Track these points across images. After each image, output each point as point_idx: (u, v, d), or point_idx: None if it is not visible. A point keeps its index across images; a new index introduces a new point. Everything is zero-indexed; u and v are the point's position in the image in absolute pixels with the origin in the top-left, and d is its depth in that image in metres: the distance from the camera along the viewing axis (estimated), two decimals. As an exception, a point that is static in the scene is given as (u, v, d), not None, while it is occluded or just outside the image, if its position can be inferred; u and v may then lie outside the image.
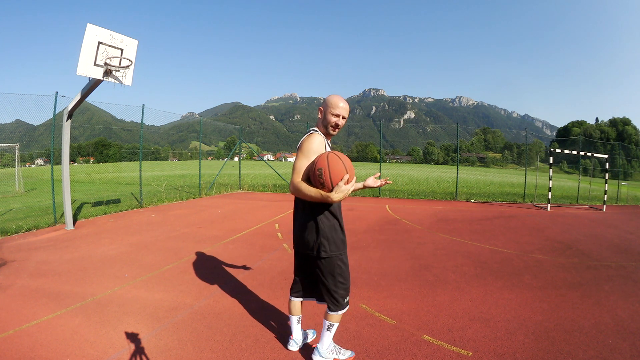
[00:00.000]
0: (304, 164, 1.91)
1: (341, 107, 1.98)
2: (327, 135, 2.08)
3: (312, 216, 1.99)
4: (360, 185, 2.16)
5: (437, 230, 6.48)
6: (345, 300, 2.08)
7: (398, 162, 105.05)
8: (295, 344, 2.34)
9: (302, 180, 1.89)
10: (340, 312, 2.08)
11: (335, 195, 1.76)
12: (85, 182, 17.03)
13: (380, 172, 10.63)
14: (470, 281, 3.73)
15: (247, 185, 14.38)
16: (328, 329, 2.11)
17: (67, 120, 5.89)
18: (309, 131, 2.05)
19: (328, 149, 2.02)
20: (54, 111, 6.47)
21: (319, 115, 2.07)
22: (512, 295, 3.35)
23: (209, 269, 4.02)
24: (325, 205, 1.98)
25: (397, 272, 3.99)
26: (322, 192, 1.79)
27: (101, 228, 6.16)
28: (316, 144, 1.93)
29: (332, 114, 1.99)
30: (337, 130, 2.03)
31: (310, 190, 1.82)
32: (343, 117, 2.01)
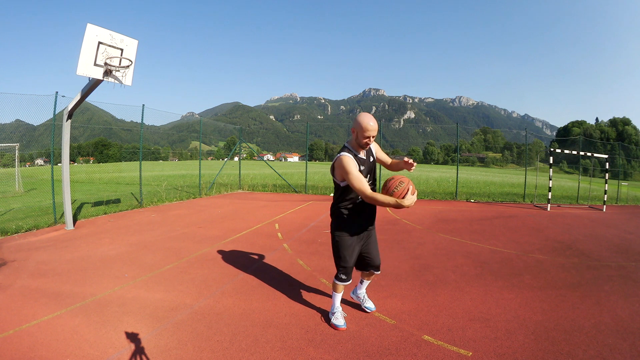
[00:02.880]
0: (356, 179, 2.32)
1: (371, 129, 2.35)
2: (359, 148, 2.48)
3: (336, 204, 2.60)
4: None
5: (437, 230, 6.47)
6: (339, 275, 2.62)
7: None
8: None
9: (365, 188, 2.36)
10: (335, 281, 2.66)
11: (406, 202, 2.21)
12: (85, 182, 17.03)
13: (380, 172, 10.62)
14: (470, 281, 3.73)
15: (247, 185, 14.37)
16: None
17: (67, 120, 5.89)
18: (340, 152, 2.44)
19: (365, 158, 2.52)
20: (54, 111, 6.47)
21: (353, 135, 2.45)
22: (512, 295, 3.35)
23: (208, 269, 4.02)
24: (348, 199, 2.52)
25: (397, 272, 3.99)
26: (398, 200, 2.22)
27: (101, 228, 6.16)
28: (352, 165, 2.36)
29: (364, 136, 2.38)
30: (366, 145, 2.43)
31: (385, 198, 2.26)
32: (372, 137, 2.39)
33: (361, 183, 2.31)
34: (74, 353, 2.25)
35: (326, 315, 2.85)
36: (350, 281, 2.67)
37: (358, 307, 3.02)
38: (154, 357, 2.24)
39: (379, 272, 2.81)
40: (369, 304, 2.94)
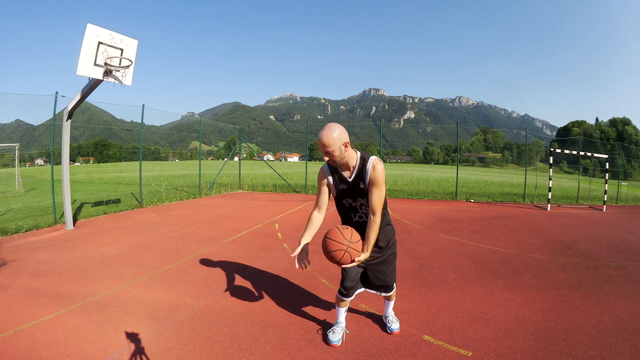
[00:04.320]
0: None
1: (319, 145, 2.06)
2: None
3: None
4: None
5: (437, 230, 6.47)
6: (340, 287, 2.40)
7: (398, 162, 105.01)
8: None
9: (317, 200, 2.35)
10: (337, 294, 2.44)
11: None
12: (85, 182, 17.03)
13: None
14: (470, 281, 3.73)
15: (247, 185, 14.37)
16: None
17: (67, 120, 5.89)
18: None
19: (333, 175, 2.27)
20: (54, 111, 6.47)
21: None
22: (512, 295, 3.35)
23: (209, 269, 4.02)
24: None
25: (397, 272, 3.98)
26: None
27: (101, 228, 6.16)
28: (319, 175, 2.32)
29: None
30: (331, 162, 2.15)
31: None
32: (325, 152, 2.06)
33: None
34: (74, 353, 2.25)
35: (327, 316, 2.85)
36: (349, 298, 2.38)
37: (358, 307, 3.02)
38: (154, 357, 2.24)
39: (378, 292, 2.47)
40: (393, 325, 2.63)
